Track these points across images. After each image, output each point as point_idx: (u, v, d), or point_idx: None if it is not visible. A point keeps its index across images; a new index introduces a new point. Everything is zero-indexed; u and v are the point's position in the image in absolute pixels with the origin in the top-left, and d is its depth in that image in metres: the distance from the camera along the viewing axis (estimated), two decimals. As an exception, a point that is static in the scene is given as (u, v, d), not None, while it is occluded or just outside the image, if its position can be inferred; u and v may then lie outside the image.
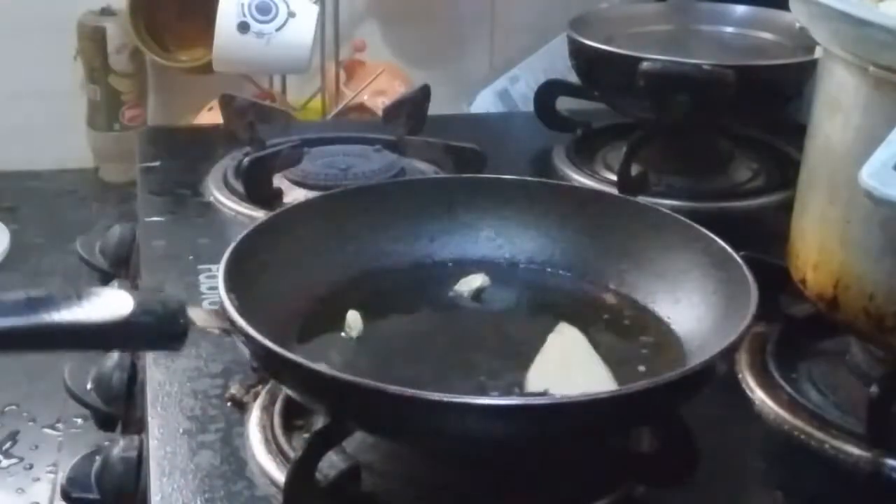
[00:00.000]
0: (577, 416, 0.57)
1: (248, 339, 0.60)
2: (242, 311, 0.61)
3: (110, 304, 0.60)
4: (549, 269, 0.79)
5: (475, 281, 0.77)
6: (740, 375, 0.76)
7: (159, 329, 0.61)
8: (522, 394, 0.65)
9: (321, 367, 0.58)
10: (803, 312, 0.78)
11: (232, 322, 0.61)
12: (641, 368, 0.68)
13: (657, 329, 0.72)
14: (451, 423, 0.57)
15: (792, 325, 0.79)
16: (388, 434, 0.63)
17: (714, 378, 0.61)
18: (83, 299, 0.59)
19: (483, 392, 0.65)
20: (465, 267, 0.79)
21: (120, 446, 0.71)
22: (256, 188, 0.99)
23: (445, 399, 0.55)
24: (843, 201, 0.69)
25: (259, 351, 0.60)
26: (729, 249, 0.70)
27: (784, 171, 1.08)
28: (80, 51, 1.48)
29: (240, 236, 0.70)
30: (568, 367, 0.67)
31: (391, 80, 1.47)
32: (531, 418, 0.57)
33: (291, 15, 1.23)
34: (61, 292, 0.59)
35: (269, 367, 0.62)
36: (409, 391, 0.55)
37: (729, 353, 0.61)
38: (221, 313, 0.63)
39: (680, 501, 0.64)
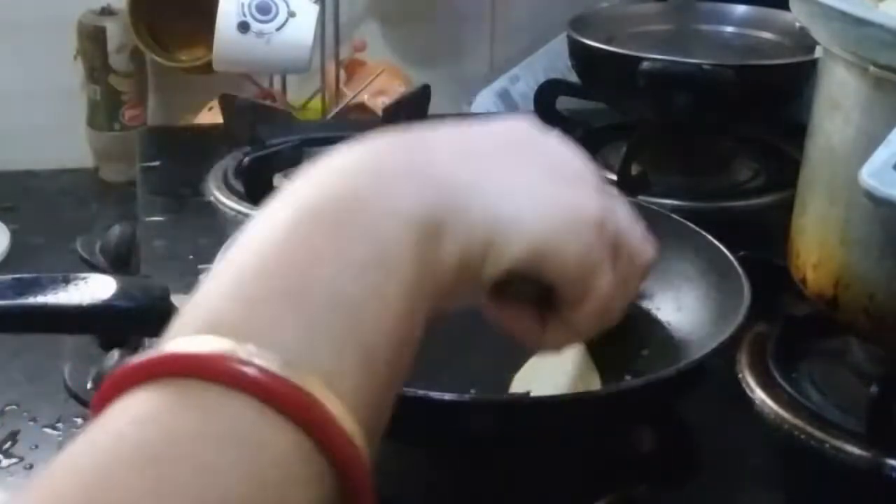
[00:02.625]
0: (563, 416, 0.57)
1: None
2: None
3: (93, 288, 0.60)
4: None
5: None
6: (741, 375, 0.76)
7: (140, 314, 0.61)
8: (504, 394, 0.65)
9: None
10: (803, 312, 0.78)
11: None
12: (633, 372, 0.68)
13: (656, 333, 0.72)
14: (435, 421, 0.57)
15: (792, 324, 0.79)
16: (386, 433, 0.63)
17: (701, 379, 0.61)
18: (69, 283, 0.60)
19: (467, 391, 0.64)
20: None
21: (120, 446, 0.70)
22: (256, 188, 0.99)
23: (414, 395, 0.55)
24: (843, 201, 0.69)
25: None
26: (725, 251, 0.70)
27: (784, 170, 1.08)
28: (80, 51, 1.47)
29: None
30: (557, 371, 0.67)
31: (391, 80, 1.47)
32: (517, 416, 0.57)
33: (291, 15, 1.23)
34: (49, 277, 0.60)
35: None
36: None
37: (715, 356, 0.61)
38: None
39: (680, 501, 0.64)
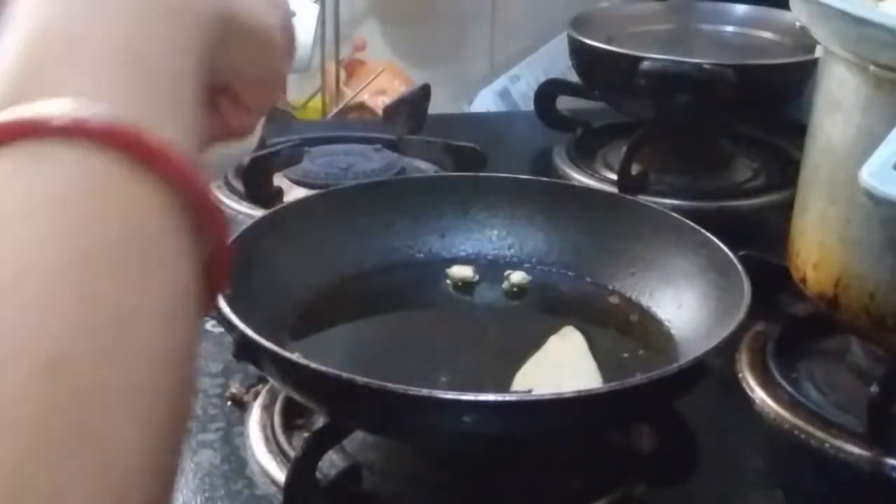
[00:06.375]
0: (565, 414, 0.57)
1: (233, 330, 0.60)
2: (234, 305, 0.61)
3: None
4: (555, 270, 0.79)
5: (514, 277, 0.78)
6: (741, 375, 0.76)
7: None
8: (505, 392, 0.65)
9: (294, 356, 0.58)
10: (803, 312, 0.78)
11: (220, 314, 0.61)
12: (633, 370, 0.68)
13: (656, 330, 0.72)
14: (437, 419, 0.57)
15: (792, 324, 0.79)
16: (380, 431, 0.63)
17: (704, 376, 0.61)
18: None
19: (469, 389, 0.64)
20: (477, 265, 0.79)
21: (120, 445, 0.71)
22: (257, 187, 0.99)
23: (418, 394, 0.55)
24: (843, 200, 0.69)
25: (240, 340, 0.61)
26: (724, 249, 0.70)
27: (784, 170, 1.08)
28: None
29: (240, 230, 0.70)
30: (559, 370, 0.67)
31: (391, 79, 1.47)
32: (520, 414, 0.57)
33: (291, 14, 1.23)
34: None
35: (245, 356, 0.62)
36: (390, 386, 0.55)
37: (717, 353, 0.61)
38: None
39: (680, 501, 0.64)
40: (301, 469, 0.59)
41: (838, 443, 0.69)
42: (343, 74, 1.48)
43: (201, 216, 0.33)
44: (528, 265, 0.80)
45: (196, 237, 0.33)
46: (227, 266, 0.35)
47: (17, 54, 0.33)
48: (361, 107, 1.45)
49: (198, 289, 0.33)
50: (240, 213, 0.99)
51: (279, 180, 1.02)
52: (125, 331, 0.29)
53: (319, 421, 0.61)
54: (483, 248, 0.81)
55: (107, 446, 0.28)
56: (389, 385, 0.55)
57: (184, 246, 0.33)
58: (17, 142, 0.30)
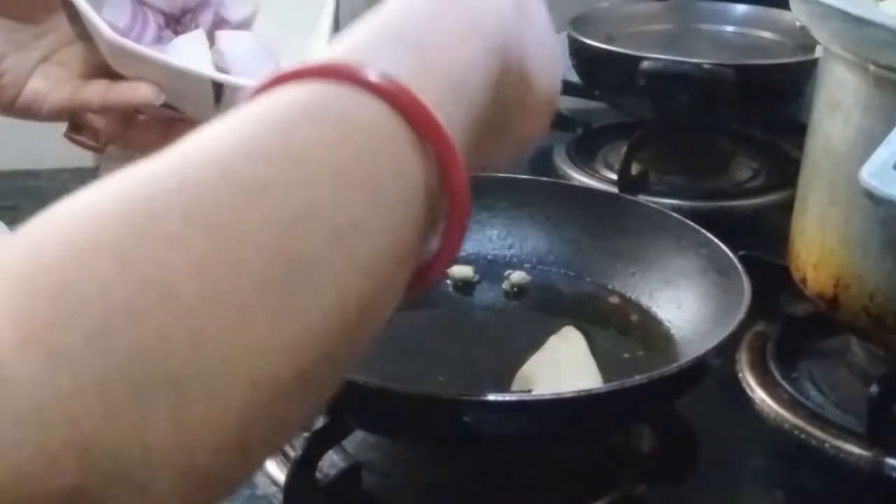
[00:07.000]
0: (565, 414, 0.57)
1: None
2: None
3: None
4: (555, 270, 0.79)
5: (514, 277, 0.79)
6: (741, 375, 0.76)
7: None
8: (505, 392, 0.65)
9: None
10: (803, 312, 0.78)
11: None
12: (633, 370, 0.68)
13: (656, 330, 0.72)
14: (437, 419, 0.57)
15: (792, 324, 0.79)
16: (380, 431, 0.63)
17: (703, 376, 0.61)
18: None
19: (469, 389, 0.64)
20: (477, 265, 0.79)
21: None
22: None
23: (418, 394, 0.55)
24: (843, 200, 0.69)
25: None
26: (724, 249, 0.70)
27: (784, 170, 1.08)
28: (80, 50, 1.47)
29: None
30: (559, 370, 0.67)
31: (391, 79, 1.47)
32: (520, 414, 0.57)
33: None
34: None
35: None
36: (390, 386, 0.55)
37: (716, 353, 0.61)
38: None
39: (680, 501, 0.64)
40: (301, 469, 0.59)
41: (838, 443, 0.69)
42: (343, 74, 1.48)
43: (452, 212, 0.38)
44: (528, 265, 0.80)
45: (436, 225, 0.38)
46: (445, 264, 0.40)
47: (369, 29, 0.40)
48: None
49: (413, 264, 0.38)
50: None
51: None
52: (351, 239, 0.34)
53: (319, 421, 0.61)
54: (483, 248, 0.81)
55: (308, 311, 0.33)
56: (389, 385, 0.55)
57: (427, 217, 0.37)
58: (334, 79, 0.36)
